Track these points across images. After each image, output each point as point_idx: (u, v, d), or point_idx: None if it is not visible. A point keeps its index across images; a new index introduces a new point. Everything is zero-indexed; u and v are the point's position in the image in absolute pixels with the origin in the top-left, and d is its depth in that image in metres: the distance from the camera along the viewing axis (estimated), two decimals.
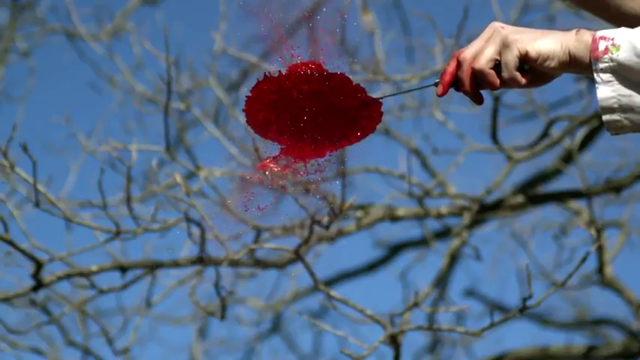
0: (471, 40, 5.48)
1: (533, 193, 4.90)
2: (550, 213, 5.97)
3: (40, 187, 3.54)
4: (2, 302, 3.92)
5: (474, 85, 1.72)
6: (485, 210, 4.71)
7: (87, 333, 4.47)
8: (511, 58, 1.68)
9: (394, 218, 4.63)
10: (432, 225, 5.17)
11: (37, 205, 3.61)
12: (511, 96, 5.63)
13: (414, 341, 6.98)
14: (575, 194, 4.78)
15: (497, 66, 1.70)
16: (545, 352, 4.99)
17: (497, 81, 1.70)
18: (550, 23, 5.30)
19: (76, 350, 4.45)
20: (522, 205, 4.76)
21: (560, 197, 4.85)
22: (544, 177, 5.26)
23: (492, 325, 3.14)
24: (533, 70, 1.70)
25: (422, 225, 5.17)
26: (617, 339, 5.65)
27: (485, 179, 6.00)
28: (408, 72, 4.77)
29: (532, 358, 4.98)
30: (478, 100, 1.73)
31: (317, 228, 3.36)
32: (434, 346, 6.30)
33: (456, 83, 1.73)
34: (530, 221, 5.99)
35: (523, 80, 1.70)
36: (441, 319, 5.32)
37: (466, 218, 4.60)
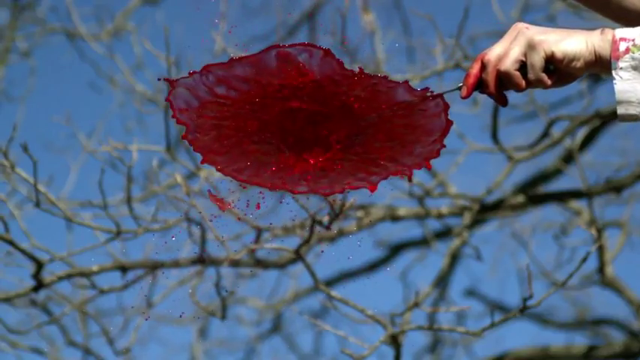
0: (471, 39, 5.47)
1: (533, 193, 4.90)
2: (550, 213, 5.97)
3: (41, 187, 3.54)
4: (3, 302, 3.93)
5: (499, 86, 1.71)
6: (485, 210, 4.71)
7: (87, 333, 4.47)
8: (537, 60, 1.66)
9: (395, 218, 4.63)
10: (433, 225, 5.17)
11: (37, 205, 3.61)
12: (511, 96, 5.63)
13: (415, 341, 6.98)
14: (576, 194, 4.78)
15: (521, 67, 1.69)
16: (546, 352, 4.99)
17: (523, 82, 1.68)
18: (550, 23, 5.30)
19: (77, 350, 4.46)
20: (523, 205, 4.76)
21: (561, 197, 4.85)
22: (544, 177, 5.26)
23: (493, 325, 3.14)
24: (559, 70, 1.69)
25: (422, 225, 5.17)
26: (617, 339, 5.65)
27: (486, 179, 6.01)
28: (408, 72, 4.77)
29: (532, 358, 4.98)
30: (503, 101, 1.72)
31: (318, 228, 3.35)
32: (434, 346, 6.30)
33: (479, 85, 1.71)
34: (531, 221, 5.99)
35: (549, 81, 1.68)
36: (441, 319, 5.31)
37: (467, 218, 4.60)
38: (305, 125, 1.66)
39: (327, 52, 1.64)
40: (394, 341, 3.30)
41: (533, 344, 5.05)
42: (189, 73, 1.64)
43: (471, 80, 1.70)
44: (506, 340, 8.98)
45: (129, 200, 3.74)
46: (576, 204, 4.93)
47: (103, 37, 5.41)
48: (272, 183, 1.68)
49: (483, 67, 1.69)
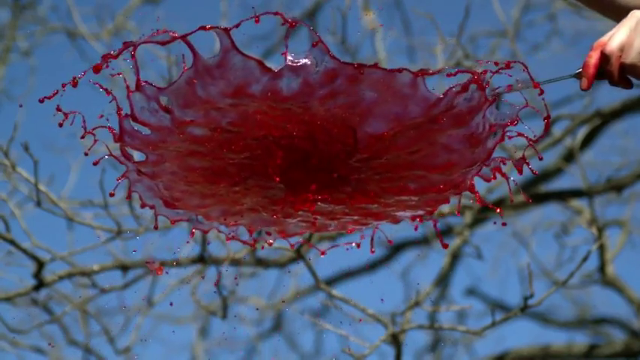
0: (472, 38, 5.45)
1: (534, 192, 4.90)
2: (551, 212, 5.98)
3: (42, 187, 3.54)
4: (4, 301, 3.93)
5: (621, 75, 1.67)
6: (486, 209, 4.70)
7: (88, 332, 4.47)
8: None
9: None
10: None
11: (38, 204, 3.61)
12: (512, 94, 5.63)
13: (416, 340, 6.99)
14: (577, 193, 4.78)
15: None
16: (547, 350, 4.99)
17: None
18: (551, 23, 5.30)
19: (78, 349, 4.46)
20: (524, 204, 4.75)
21: (562, 196, 4.85)
22: (545, 176, 5.26)
23: (494, 324, 3.14)
24: None
25: (423, 224, 5.16)
26: (618, 338, 5.65)
27: None
28: None
29: (533, 356, 4.98)
30: (628, 85, 1.69)
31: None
32: (435, 345, 6.30)
33: (599, 74, 1.68)
34: (532, 220, 5.99)
35: None
36: (442, 318, 5.32)
37: (467, 217, 4.60)
38: (293, 159, 1.05)
39: (295, 22, 0.99)
40: (395, 340, 3.29)
41: (534, 343, 5.06)
42: (71, 83, 0.88)
43: (592, 71, 1.67)
44: (507, 339, 8.99)
45: (129, 200, 3.74)
46: (577, 203, 4.93)
47: (104, 36, 5.41)
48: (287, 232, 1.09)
49: (604, 57, 1.66)
